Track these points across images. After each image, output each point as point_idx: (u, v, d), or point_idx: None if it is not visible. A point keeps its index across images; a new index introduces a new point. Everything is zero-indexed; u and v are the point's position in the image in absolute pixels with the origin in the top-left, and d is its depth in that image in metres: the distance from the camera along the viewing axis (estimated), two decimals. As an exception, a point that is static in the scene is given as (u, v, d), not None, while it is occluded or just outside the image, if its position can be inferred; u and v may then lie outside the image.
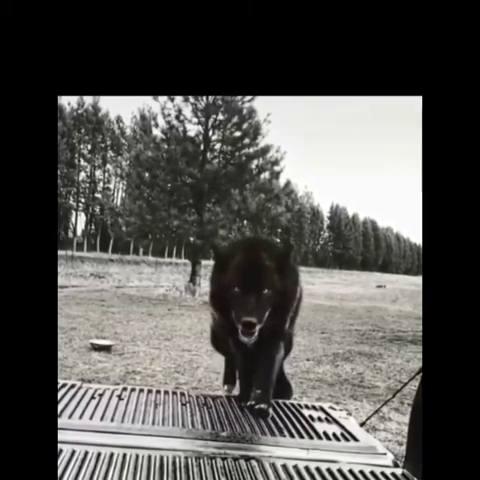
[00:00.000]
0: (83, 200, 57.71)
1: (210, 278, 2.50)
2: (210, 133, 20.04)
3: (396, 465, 1.90)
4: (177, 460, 1.69)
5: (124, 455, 1.68)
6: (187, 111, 19.61)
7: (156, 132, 20.85)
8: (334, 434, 2.15)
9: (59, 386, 2.40)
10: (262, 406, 2.12)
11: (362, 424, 2.48)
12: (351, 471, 1.76)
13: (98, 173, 59.42)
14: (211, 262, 2.59)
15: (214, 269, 2.39)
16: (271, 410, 2.12)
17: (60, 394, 2.29)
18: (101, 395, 2.34)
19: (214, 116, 19.76)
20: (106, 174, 60.12)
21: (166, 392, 2.50)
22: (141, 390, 2.50)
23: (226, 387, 2.88)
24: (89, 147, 57.43)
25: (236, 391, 2.63)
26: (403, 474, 1.81)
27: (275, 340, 2.43)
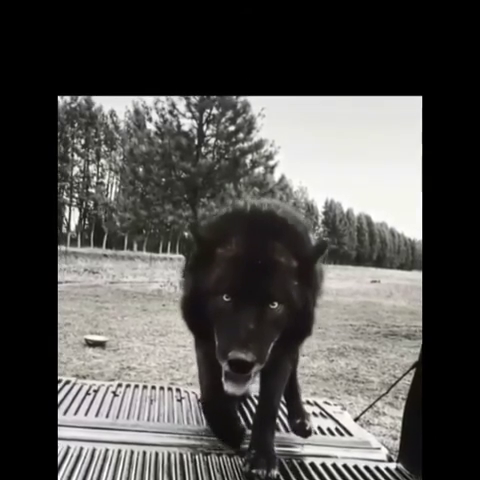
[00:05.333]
0: (77, 195, 57.45)
1: (183, 275, 1.71)
2: (204, 128, 20.00)
3: (390, 460, 1.91)
4: (172, 456, 1.70)
5: (119, 451, 1.69)
6: (181, 105, 19.57)
7: (150, 126, 20.81)
8: (329, 429, 2.17)
9: (53, 382, 2.41)
10: (259, 472, 1.56)
11: (356, 419, 2.49)
12: (345, 466, 1.77)
13: (92, 168, 59.20)
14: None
15: (191, 262, 1.58)
16: (276, 472, 1.60)
17: (55, 390, 2.30)
18: (96, 391, 2.34)
19: (208, 110, 19.71)
20: (100, 169, 59.91)
21: (161, 388, 2.51)
22: (136, 386, 2.50)
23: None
24: (82, 141, 57.11)
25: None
26: (397, 468, 1.83)
27: (279, 372, 1.75)
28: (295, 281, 1.42)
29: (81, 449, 1.66)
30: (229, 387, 1.34)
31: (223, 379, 1.35)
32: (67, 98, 52.82)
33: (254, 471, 1.56)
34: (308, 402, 2.53)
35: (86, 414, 2.05)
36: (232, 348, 1.27)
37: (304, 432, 1.99)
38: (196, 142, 20.04)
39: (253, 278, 1.36)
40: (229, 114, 19.71)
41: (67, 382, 2.44)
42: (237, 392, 1.35)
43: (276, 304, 1.36)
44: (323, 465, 1.76)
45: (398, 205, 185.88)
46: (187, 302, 1.53)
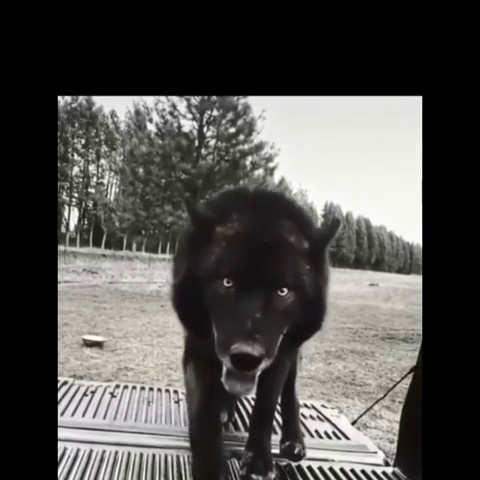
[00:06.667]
0: (76, 195, 57.41)
1: (174, 259, 1.50)
2: (205, 129, 20.02)
3: (387, 464, 1.91)
4: (169, 458, 1.70)
5: (116, 453, 1.69)
6: (181, 106, 19.60)
7: (150, 127, 20.85)
8: (326, 432, 2.16)
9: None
10: (257, 478, 1.52)
11: (354, 422, 2.49)
12: (342, 470, 1.77)
13: (92, 168, 59.18)
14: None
15: (185, 244, 1.39)
16: (273, 475, 1.56)
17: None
18: (93, 392, 2.34)
19: (209, 112, 19.74)
20: (100, 169, 59.89)
21: (159, 390, 2.51)
22: (134, 387, 2.50)
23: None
24: (83, 141, 57.09)
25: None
26: (394, 473, 1.83)
27: (278, 371, 1.60)
28: (307, 265, 1.23)
29: (78, 450, 1.66)
30: (232, 386, 1.15)
31: (223, 378, 1.16)
32: (68, 98, 52.83)
33: (252, 476, 1.53)
34: (305, 405, 2.53)
35: (83, 415, 2.05)
36: (236, 340, 1.06)
37: (291, 456, 1.79)
38: (196, 143, 20.06)
39: (259, 259, 1.16)
40: (230, 116, 19.73)
41: (64, 383, 2.44)
42: (241, 392, 1.16)
43: (286, 291, 1.17)
44: (320, 469, 1.76)
45: (397, 208, 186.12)
46: (180, 289, 1.31)
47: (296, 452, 1.79)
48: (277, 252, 1.19)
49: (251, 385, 1.15)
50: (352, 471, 1.77)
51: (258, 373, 1.13)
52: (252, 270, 1.15)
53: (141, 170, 20.19)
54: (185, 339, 1.61)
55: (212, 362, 1.19)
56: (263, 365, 1.10)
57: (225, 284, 1.17)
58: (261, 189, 1.45)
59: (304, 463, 1.78)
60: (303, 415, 2.33)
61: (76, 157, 57.02)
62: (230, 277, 1.17)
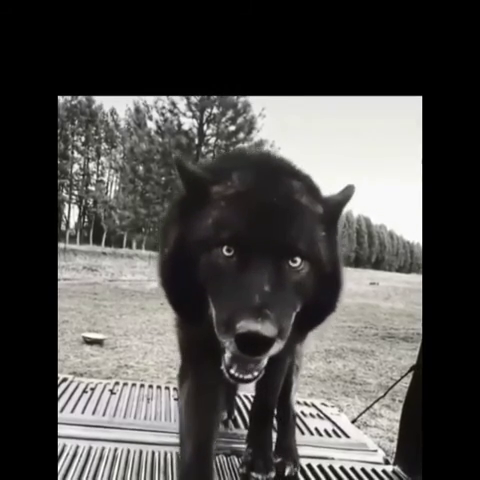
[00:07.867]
0: (76, 192, 57.38)
1: (162, 230, 1.22)
2: (205, 127, 20.04)
3: (387, 462, 1.91)
4: (168, 455, 1.70)
5: (115, 449, 1.69)
6: (181, 104, 19.62)
7: (150, 125, 20.87)
8: (326, 430, 2.16)
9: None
10: (260, 478, 1.49)
11: (354, 421, 2.49)
12: (342, 468, 1.77)
13: (92, 165, 59.15)
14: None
15: (175, 210, 1.16)
16: (273, 474, 1.52)
17: (52, 388, 2.30)
18: (93, 389, 2.34)
19: (209, 110, 19.76)
20: (100, 167, 59.86)
21: (158, 387, 2.51)
22: (133, 385, 2.50)
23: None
24: (83, 139, 57.04)
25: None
26: (394, 471, 1.83)
27: (279, 364, 1.47)
28: (322, 231, 1.03)
29: (77, 447, 1.66)
30: (234, 375, 0.96)
31: (224, 365, 0.97)
32: (67, 96, 52.72)
33: (253, 474, 1.50)
34: (305, 403, 2.53)
35: (83, 412, 2.05)
36: (242, 317, 0.85)
37: (281, 475, 1.59)
38: (196, 141, 20.09)
39: (265, 222, 0.95)
40: (230, 114, 19.78)
41: (64, 380, 2.44)
42: (247, 378, 0.96)
43: (299, 260, 0.97)
44: (320, 467, 1.76)
45: (398, 208, 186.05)
46: (169, 262, 1.07)
47: (287, 473, 1.61)
48: (287, 214, 0.98)
49: (257, 373, 0.96)
50: (352, 469, 1.77)
51: (266, 359, 0.94)
52: (257, 235, 0.95)
53: (141, 168, 20.24)
54: (179, 340, 1.43)
55: (213, 359, 1.03)
56: (275, 348, 0.89)
57: (225, 253, 0.96)
58: (264, 152, 1.26)
59: (304, 461, 1.78)
60: (303, 413, 2.33)
61: (76, 155, 56.97)
62: (231, 244, 0.96)
